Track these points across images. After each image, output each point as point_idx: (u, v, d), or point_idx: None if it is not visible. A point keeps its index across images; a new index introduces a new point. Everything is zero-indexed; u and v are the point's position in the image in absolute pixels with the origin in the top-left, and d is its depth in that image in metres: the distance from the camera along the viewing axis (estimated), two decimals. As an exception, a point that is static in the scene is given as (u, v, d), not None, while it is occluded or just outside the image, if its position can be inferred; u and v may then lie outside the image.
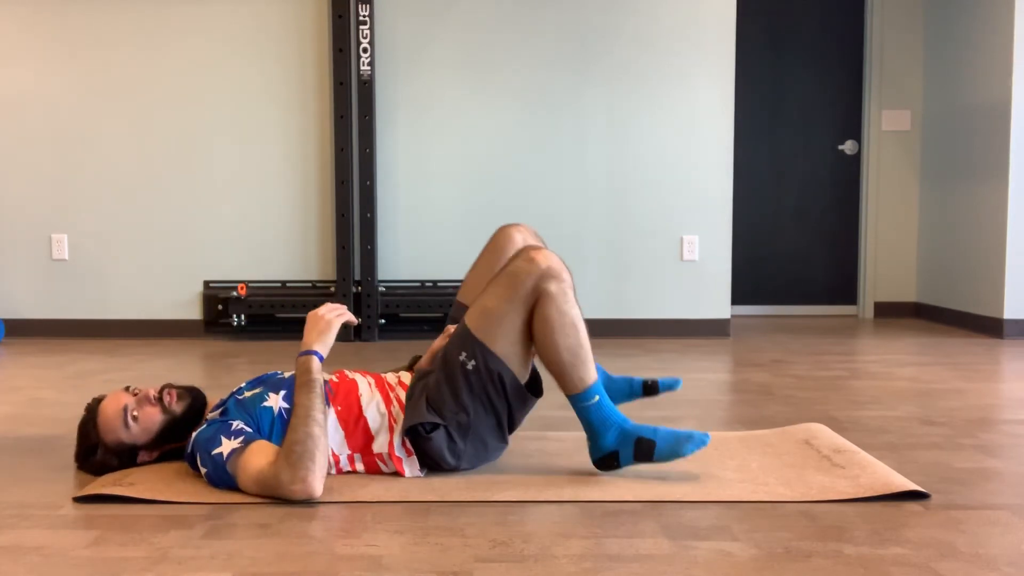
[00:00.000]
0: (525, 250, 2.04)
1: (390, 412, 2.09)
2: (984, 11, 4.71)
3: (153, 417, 2.08)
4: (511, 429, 2.15)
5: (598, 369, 2.15)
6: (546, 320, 1.98)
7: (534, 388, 2.13)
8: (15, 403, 3.00)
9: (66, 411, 2.83)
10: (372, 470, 2.09)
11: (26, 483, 2.09)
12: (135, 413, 2.07)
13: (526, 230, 2.39)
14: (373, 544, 1.70)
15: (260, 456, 1.93)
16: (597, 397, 2.02)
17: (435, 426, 2.04)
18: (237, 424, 2.01)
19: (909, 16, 5.42)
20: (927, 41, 5.37)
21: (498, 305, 2.01)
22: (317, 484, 1.89)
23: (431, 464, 2.09)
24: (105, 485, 1.98)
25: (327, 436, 1.97)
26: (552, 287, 1.98)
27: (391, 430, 2.08)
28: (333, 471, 2.08)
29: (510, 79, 4.58)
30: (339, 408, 2.08)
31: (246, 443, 1.95)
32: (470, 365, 2.02)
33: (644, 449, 2.01)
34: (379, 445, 2.07)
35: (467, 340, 2.03)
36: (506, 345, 2.02)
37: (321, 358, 2.04)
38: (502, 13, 4.55)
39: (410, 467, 2.08)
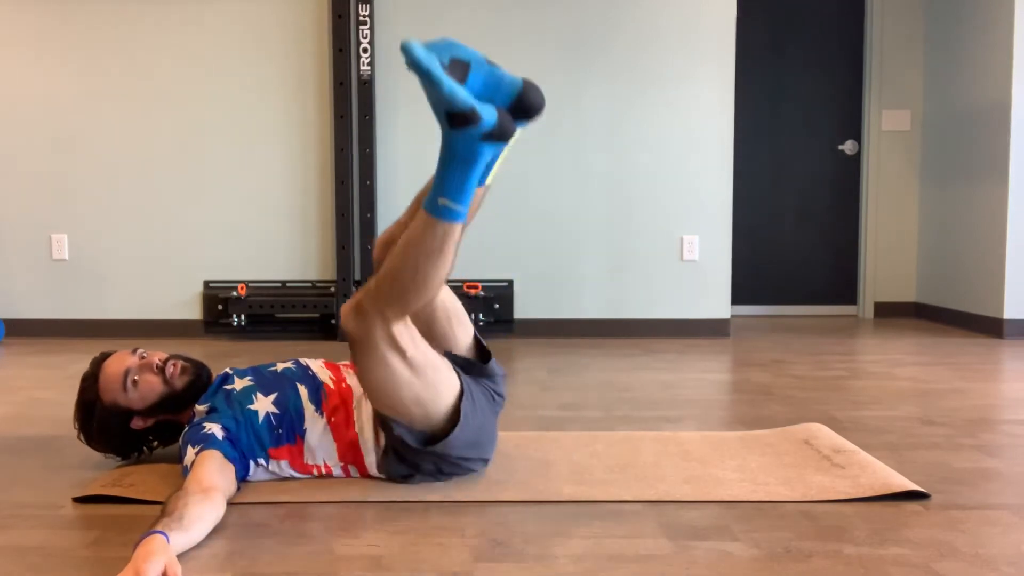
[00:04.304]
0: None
1: (378, 434, 2.02)
2: (984, 11, 4.71)
3: (153, 386, 2.07)
4: (485, 443, 2.07)
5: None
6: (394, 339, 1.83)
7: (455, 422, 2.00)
8: (15, 403, 3.00)
9: (66, 411, 2.82)
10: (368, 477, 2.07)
11: (26, 483, 2.09)
12: (135, 378, 2.05)
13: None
14: (373, 544, 1.70)
15: (200, 468, 1.84)
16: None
17: (410, 474, 2.01)
18: (207, 428, 1.95)
19: (909, 16, 5.42)
20: (927, 41, 5.37)
21: (373, 377, 1.88)
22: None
23: None
24: (105, 486, 1.98)
25: (207, 518, 1.69)
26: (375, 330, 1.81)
27: (380, 451, 2.03)
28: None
29: (510, 79, 4.57)
30: (332, 420, 2.03)
31: (198, 453, 1.88)
32: (400, 451, 1.96)
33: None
34: (371, 465, 2.04)
35: (382, 420, 1.96)
36: (409, 408, 1.90)
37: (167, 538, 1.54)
38: (502, 13, 4.55)
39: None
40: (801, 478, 2.08)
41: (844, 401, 3.00)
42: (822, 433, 2.44)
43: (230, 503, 1.88)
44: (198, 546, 1.67)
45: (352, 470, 2.06)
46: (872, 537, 1.72)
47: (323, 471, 2.05)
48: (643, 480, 2.07)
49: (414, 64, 1.59)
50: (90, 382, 2.10)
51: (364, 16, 4.40)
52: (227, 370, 2.14)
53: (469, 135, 1.68)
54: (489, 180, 1.89)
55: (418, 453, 1.97)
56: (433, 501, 1.93)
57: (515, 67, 4.54)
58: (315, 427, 2.02)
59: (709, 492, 1.99)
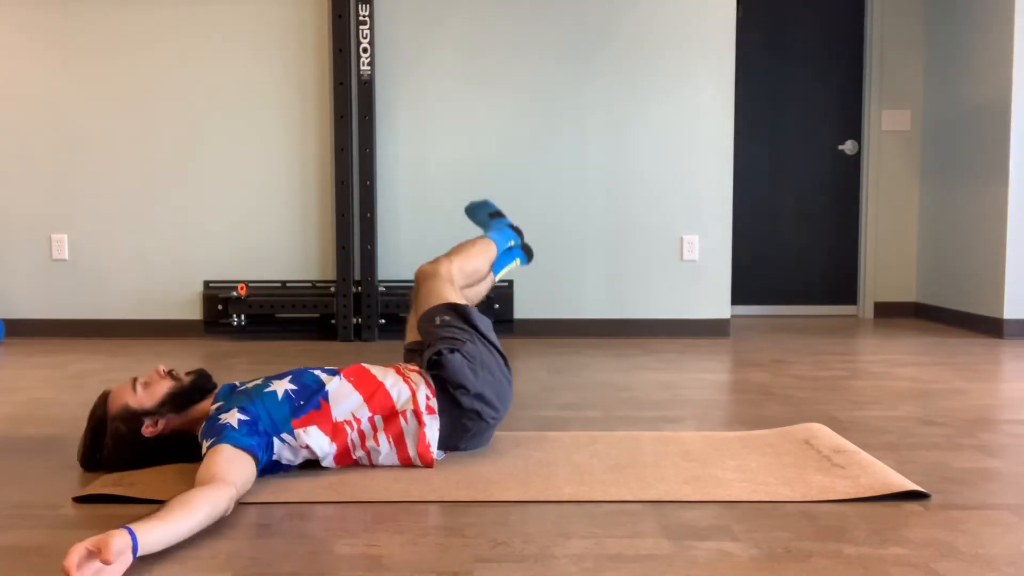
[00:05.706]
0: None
1: (405, 375, 2.21)
2: (984, 11, 4.71)
3: (161, 384, 2.13)
4: (503, 357, 2.38)
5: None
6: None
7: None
8: (15, 403, 3.00)
9: (66, 411, 2.83)
10: (392, 433, 2.14)
11: (26, 483, 2.09)
12: (144, 381, 2.13)
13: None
14: (373, 544, 1.70)
15: (207, 463, 1.85)
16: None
17: (452, 350, 2.22)
18: (223, 419, 1.98)
19: (909, 16, 5.42)
20: (927, 41, 5.37)
21: (434, 286, 2.47)
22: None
23: (451, 397, 2.19)
24: (105, 485, 1.98)
25: (197, 504, 1.69)
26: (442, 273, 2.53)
27: (410, 389, 2.18)
28: (354, 433, 2.12)
29: (510, 79, 4.58)
30: (352, 379, 2.17)
31: (210, 447, 1.91)
32: (447, 317, 2.35)
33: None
34: (402, 404, 2.15)
35: (430, 315, 2.37)
36: (451, 292, 2.47)
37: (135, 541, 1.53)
38: (502, 13, 4.55)
39: (431, 427, 2.15)
40: (801, 478, 2.08)
41: (844, 401, 3.00)
42: (822, 433, 2.44)
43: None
44: (198, 546, 1.67)
45: (380, 425, 2.13)
46: (872, 537, 1.72)
47: (354, 426, 2.11)
48: (643, 480, 2.07)
49: (472, 204, 2.99)
50: (98, 403, 2.13)
51: (364, 16, 4.40)
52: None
53: (502, 222, 2.90)
54: (497, 278, 2.83)
55: (457, 320, 2.33)
56: (433, 501, 1.93)
57: (516, 68, 4.58)
58: (336, 386, 2.14)
59: (709, 492, 1.99)
